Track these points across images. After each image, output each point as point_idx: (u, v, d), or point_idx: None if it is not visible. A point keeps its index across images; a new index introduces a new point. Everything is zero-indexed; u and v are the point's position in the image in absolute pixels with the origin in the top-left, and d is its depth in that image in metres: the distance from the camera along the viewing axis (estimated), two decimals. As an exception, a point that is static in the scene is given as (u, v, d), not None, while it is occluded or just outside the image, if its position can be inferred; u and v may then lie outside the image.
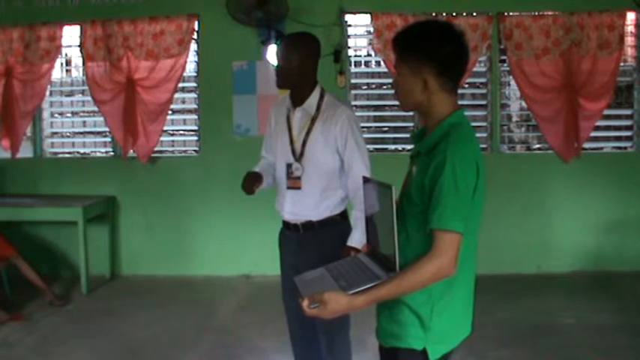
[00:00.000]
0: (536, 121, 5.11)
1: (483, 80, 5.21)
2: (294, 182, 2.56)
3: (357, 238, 2.41)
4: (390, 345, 1.73)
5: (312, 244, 2.48)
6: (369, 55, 5.33)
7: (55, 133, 5.56)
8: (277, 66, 2.53)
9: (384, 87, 5.26)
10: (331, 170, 2.54)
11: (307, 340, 2.76)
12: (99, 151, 5.51)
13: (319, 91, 2.57)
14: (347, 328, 2.67)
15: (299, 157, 2.55)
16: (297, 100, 2.57)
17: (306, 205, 2.56)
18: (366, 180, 1.87)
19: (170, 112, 5.28)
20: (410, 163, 1.79)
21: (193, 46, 5.18)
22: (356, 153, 2.48)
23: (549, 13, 4.97)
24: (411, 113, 4.65)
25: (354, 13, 5.14)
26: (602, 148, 5.30)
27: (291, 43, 2.51)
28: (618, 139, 5.35)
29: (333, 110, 2.50)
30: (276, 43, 4.60)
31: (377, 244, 1.77)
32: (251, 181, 2.52)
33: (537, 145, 5.35)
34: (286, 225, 2.69)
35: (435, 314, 1.65)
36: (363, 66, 5.32)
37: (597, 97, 4.96)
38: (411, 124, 5.26)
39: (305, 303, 1.57)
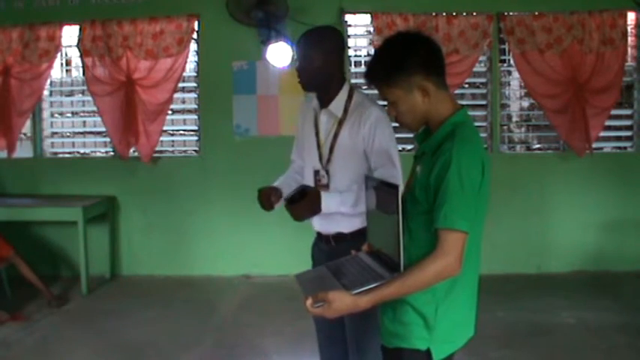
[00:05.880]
0: (547, 115, 5.07)
1: (483, 80, 5.22)
2: (321, 190, 2.32)
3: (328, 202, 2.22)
4: (393, 345, 1.73)
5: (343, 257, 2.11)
6: (368, 55, 5.33)
7: (55, 133, 5.55)
8: (298, 67, 2.30)
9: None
10: (361, 177, 2.22)
11: (334, 349, 2.54)
12: (99, 151, 5.51)
13: (347, 90, 2.32)
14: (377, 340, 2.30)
15: (326, 163, 2.33)
16: (324, 102, 2.34)
17: (336, 215, 2.30)
18: (369, 179, 1.87)
19: (170, 112, 5.26)
20: (414, 163, 1.78)
21: (193, 46, 5.17)
22: (384, 155, 2.21)
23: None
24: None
25: (354, 13, 5.13)
26: (602, 148, 5.30)
27: (311, 41, 2.27)
28: (618, 139, 5.35)
29: (360, 112, 2.25)
30: (286, 42, 4.59)
31: (379, 244, 1.77)
32: (266, 197, 2.33)
33: (537, 145, 5.35)
34: (318, 236, 2.48)
35: (439, 314, 1.65)
36: (363, 66, 5.31)
37: (604, 94, 4.93)
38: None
39: (309, 302, 1.57)
